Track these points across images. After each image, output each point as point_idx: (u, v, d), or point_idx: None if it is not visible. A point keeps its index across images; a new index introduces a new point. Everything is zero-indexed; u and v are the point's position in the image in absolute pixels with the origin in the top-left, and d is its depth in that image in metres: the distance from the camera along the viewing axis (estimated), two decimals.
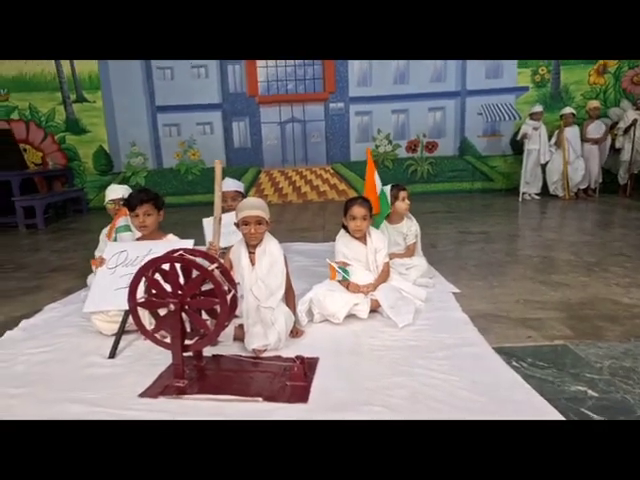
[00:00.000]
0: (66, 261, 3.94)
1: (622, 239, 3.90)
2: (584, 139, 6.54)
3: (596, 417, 1.41)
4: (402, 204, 2.89)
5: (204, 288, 1.74)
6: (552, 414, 1.42)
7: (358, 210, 2.42)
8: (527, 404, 1.49)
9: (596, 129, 6.58)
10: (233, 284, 1.75)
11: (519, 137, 6.70)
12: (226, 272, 1.75)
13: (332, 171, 7.64)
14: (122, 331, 2.07)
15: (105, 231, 2.88)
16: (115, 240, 2.41)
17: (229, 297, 1.67)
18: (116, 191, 2.79)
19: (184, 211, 6.39)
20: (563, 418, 1.39)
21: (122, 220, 2.42)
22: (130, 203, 2.26)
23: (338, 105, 7.43)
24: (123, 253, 2.29)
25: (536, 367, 1.76)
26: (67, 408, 1.58)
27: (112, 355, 1.98)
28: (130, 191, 2.80)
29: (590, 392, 1.56)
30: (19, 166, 6.48)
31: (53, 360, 1.98)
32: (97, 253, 2.83)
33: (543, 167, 6.70)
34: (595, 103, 6.66)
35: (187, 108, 7.23)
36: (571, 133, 6.46)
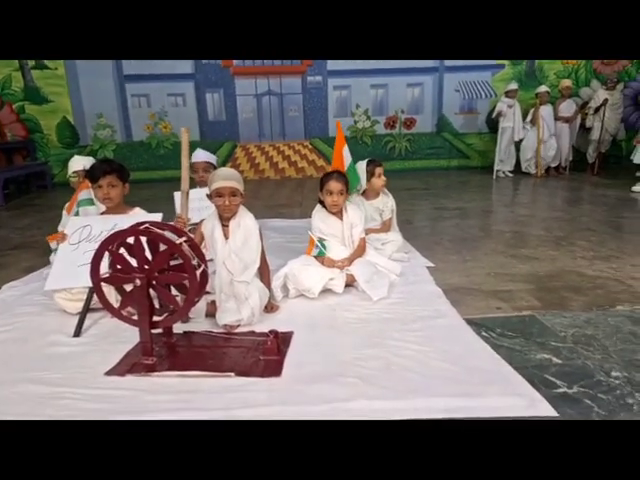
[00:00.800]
0: (28, 239, 3.76)
1: (589, 215, 4.01)
2: (556, 117, 6.62)
3: (558, 382, 1.45)
4: (378, 180, 2.86)
5: (173, 263, 1.68)
6: (519, 382, 1.45)
7: (335, 185, 2.38)
8: (496, 372, 1.52)
9: (567, 108, 6.67)
10: (203, 259, 1.69)
11: (494, 115, 6.73)
12: (195, 246, 1.69)
13: (310, 146, 7.52)
14: (87, 309, 1.99)
15: (68, 206, 2.74)
16: (77, 214, 2.29)
17: (199, 272, 1.61)
18: (79, 162, 2.65)
19: (156, 187, 6.17)
20: (529, 385, 1.42)
21: (85, 193, 2.30)
22: (93, 174, 2.14)
23: (316, 78, 7.25)
24: (86, 228, 2.18)
25: (505, 337, 1.79)
26: (27, 388, 1.51)
27: (77, 334, 1.91)
28: (92, 163, 2.67)
29: (554, 359, 1.60)
30: None
31: (12, 339, 1.89)
32: (60, 229, 2.69)
33: (517, 145, 6.78)
34: (567, 82, 6.74)
35: (158, 78, 6.89)
36: (546, 111, 6.53)
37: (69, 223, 2.21)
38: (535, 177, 6.58)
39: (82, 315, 1.96)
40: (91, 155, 6.70)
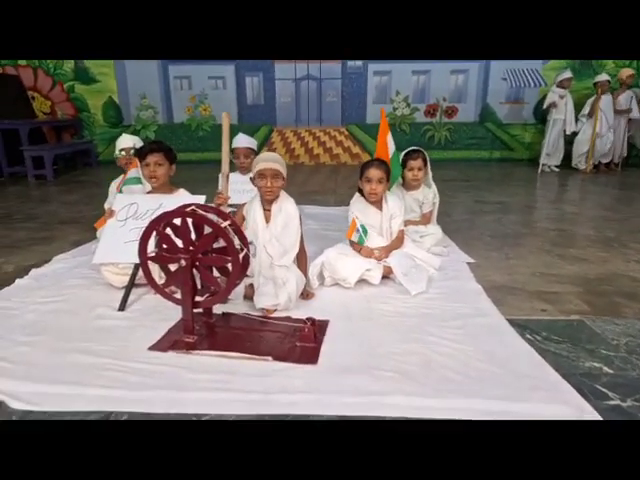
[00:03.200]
0: (76, 214, 3.92)
1: None
2: (615, 110, 6.22)
3: (610, 394, 1.38)
4: (408, 173, 2.78)
5: (216, 245, 1.70)
6: (567, 390, 1.39)
7: (374, 172, 2.33)
8: (541, 379, 1.45)
9: (626, 100, 6.25)
10: (245, 242, 1.70)
11: (545, 105, 6.38)
12: (239, 230, 1.70)
13: (346, 133, 7.43)
14: (132, 284, 2.05)
15: (115, 183, 2.83)
16: (121, 192, 2.35)
17: (241, 255, 1.62)
18: (127, 140, 2.72)
19: (194, 169, 6.28)
20: (578, 395, 1.36)
21: (133, 172, 2.36)
22: (141, 152, 2.20)
23: (356, 63, 7.11)
24: (133, 206, 2.24)
25: (550, 341, 1.71)
26: (76, 358, 1.58)
27: (122, 308, 1.98)
28: (141, 142, 2.73)
29: (605, 369, 1.52)
30: (28, 114, 6.36)
31: (63, 310, 1.98)
32: (106, 205, 2.78)
33: (566, 138, 6.44)
34: (629, 71, 6.28)
35: (199, 60, 6.97)
36: (605, 103, 6.13)
37: (116, 200, 2.28)
38: (584, 173, 6.25)
39: (127, 290, 2.02)
40: (134, 135, 6.99)
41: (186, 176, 5.66)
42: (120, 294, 2.07)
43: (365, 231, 2.33)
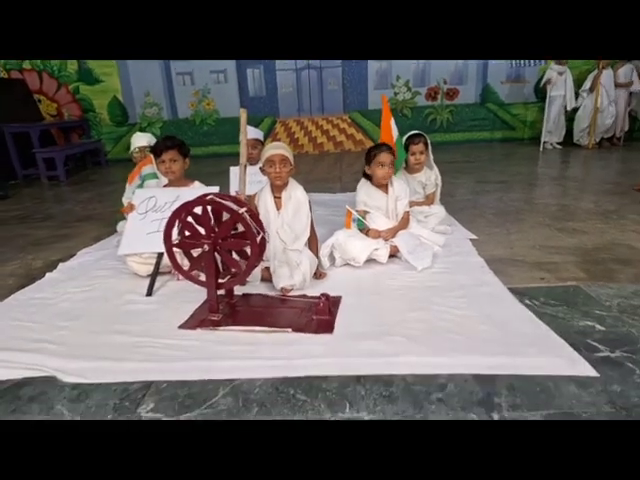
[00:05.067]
0: (91, 211, 4.08)
1: None
2: (616, 84, 6.23)
3: (601, 347, 1.51)
4: (411, 158, 2.89)
5: (233, 232, 1.84)
6: (560, 344, 1.52)
7: (386, 157, 2.43)
8: (537, 335, 1.59)
9: (625, 73, 6.25)
10: (262, 227, 1.84)
11: (542, 83, 6.42)
12: (255, 216, 1.84)
13: (349, 120, 7.50)
14: (157, 272, 2.21)
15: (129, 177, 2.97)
16: (141, 187, 2.50)
17: (259, 239, 1.77)
18: (142, 138, 2.85)
19: (200, 162, 6.41)
20: (570, 347, 1.49)
21: (149, 167, 2.50)
22: (156, 149, 2.33)
23: None
24: (152, 199, 2.39)
25: (548, 305, 1.85)
26: (114, 338, 1.74)
27: (149, 293, 2.13)
28: (154, 139, 2.87)
29: (598, 326, 1.65)
30: (36, 117, 6.51)
31: (94, 298, 2.14)
32: (124, 199, 2.94)
33: (567, 115, 6.47)
34: None
35: None
36: (606, 77, 6.14)
37: (135, 194, 2.42)
38: (586, 149, 6.29)
39: (153, 277, 2.18)
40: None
41: (193, 170, 5.79)
42: (145, 281, 2.22)
43: (361, 221, 2.45)
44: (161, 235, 2.22)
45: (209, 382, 1.45)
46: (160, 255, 2.22)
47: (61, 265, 2.62)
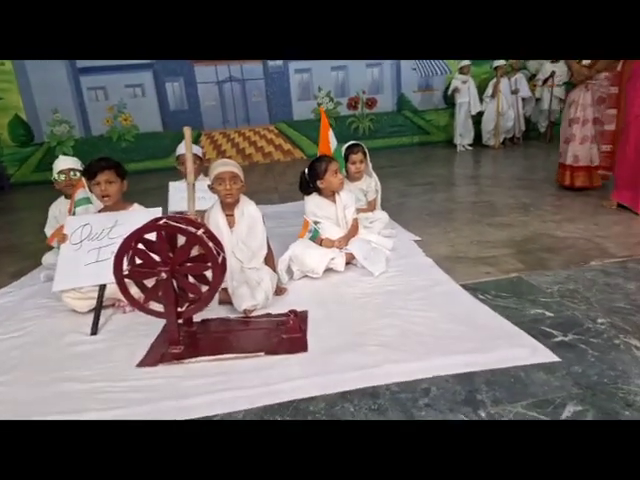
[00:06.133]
0: (3, 243, 3.61)
1: (548, 181, 4.32)
2: (511, 90, 6.96)
3: (555, 332, 1.66)
4: (351, 167, 2.98)
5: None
6: (520, 335, 1.64)
7: (336, 164, 2.52)
8: (499, 328, 1.71)
9: (518, 80, 7.03)
10: (221, 247, 1.76)
11: (450, 91, 7.01)
12: (212, 237, 1.75)
13: (276, 131, 7.50)
14: (100, 306, 2.01)
15: (54, 206, 2.68)
16: (74, 214, 2.26)
17: (219, 260, 1.68)
18: (65, 161, 2.58)
19: None
20: (530, 337, 1.62)
21: (81, 192, 2.27)
22: (90, 171, 2.13)
23: (277, 63, 7.20)
24: (86, 227, 2.17)
25: (499, 297, 1.99)
26: (63, 387, 1.54)
27: (94, 332, 1.93)
28: (79, 163, 2.62)
29: (547, 313, 1.81)
30: None
31: (30, 343, 1.89)
32: (47, 230, 2.64)
33: (474, 118, 7.10)
34: None
35: (113, 69, 6.62)
36: (504, 84, 6.85)
37: (67, 223, 2.19)
38: (494, 149, 6.94)
39: (97, 313, 1.98)
40: (49, 152, 6.47)
41: None
42: (85, 318, 2.02)
43: (316, 230, 2.47)
44: (101, 266, 2.06)
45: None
46: (102, 288, 2.03)
47: None
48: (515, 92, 6.92)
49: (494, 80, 6.83)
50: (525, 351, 1.53)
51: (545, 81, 6.88)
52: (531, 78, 7.29)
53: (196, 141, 7.22)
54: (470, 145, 7.15)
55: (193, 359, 1.66)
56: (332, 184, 2.50)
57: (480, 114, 7.03)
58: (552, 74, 6.72)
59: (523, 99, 7.06)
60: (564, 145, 3.87)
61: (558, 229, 2.89)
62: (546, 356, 1.49)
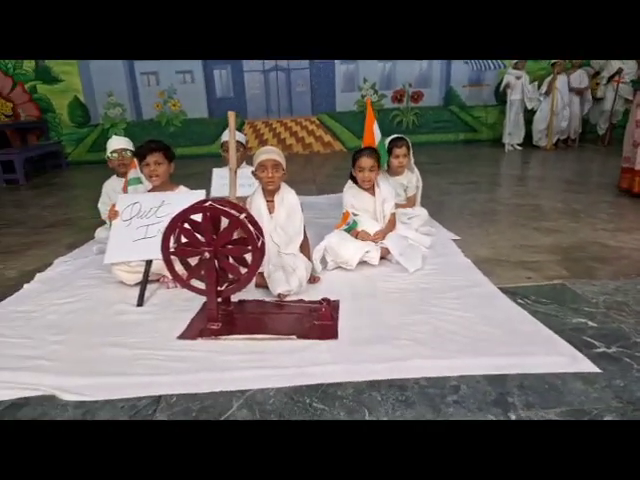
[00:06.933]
0: (61, 217, 3.86)
1: (604, 187, 4.10)
2: (570, 88, 6.60)
3: (597, 343, 1.60)
4: (394, 160, 2.94)
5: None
6: (560, 342, 1.59)
7: (365, 161, 2.47)
8: (536, 334, 1.66)
9: (577, 78, 6.63)
10: (261, 232, 1.81)
11: (502, 87, 6.72)
12: (254, 221, 1.80)
13: (317, 122, 7.52)
14: (146, 280, 2.12)
15: (107, 183, 2.85)
16: (128, 192, 2.40)
17: (259, 244, 1.74)
18: (119, 141, 2.73)
19: None
20: (570, 345, 1.56)
21: (133, 172, 2.40)
22: (141, 152, 2.25)
23: None
24: (136, 205, 2.29)
25: (539, 303, 1.93)
26: (111, 351, 1.66)
27: (140, 303, 2.05)
28: (131, 143, 2.76)
29: (590, 323, 1.74)
30: None
31: (82, 309, 2.03)
32: (100, 206, 2.80)
33: (525, 117, 6.79)
34: None
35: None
36: (561, 82, 6.49)
37: (119, 200, 2.32)
38: (545, 150, 6.64)
39: (143, 286, 2.09)
40: (102, 134, 6.82)
41: None
42: (133, 291, 2.14)
43: (355, 222, 2.47)
44: (148, 242, 2.17)
45: (220, 394, 1.41)
46: (149, 263, 2.14)
47: (39, 275, 2.46)
48: (575, 90, 6.54)
49: (550, 77, 6.50)
50: (563, 359, 1.49)
51: (610, 78, 6.45)
52: (594, 75, 6.86)
53: (240, 129, 7.35)
54: (519, 145, 6.86)
55: (230, 336, 1.73)
56: (357, 177, 2.52)
57: (533, 113, 6.72)
58: (619, 71, 6.30)
59: (580, 95, 6.65)
60: (632, 148, 3.63)
61: (611, 238, 2.75)
62: (586, 366, 1.45)
